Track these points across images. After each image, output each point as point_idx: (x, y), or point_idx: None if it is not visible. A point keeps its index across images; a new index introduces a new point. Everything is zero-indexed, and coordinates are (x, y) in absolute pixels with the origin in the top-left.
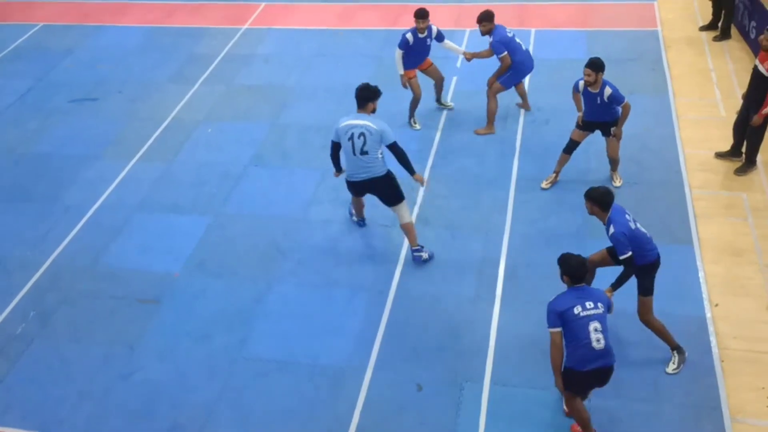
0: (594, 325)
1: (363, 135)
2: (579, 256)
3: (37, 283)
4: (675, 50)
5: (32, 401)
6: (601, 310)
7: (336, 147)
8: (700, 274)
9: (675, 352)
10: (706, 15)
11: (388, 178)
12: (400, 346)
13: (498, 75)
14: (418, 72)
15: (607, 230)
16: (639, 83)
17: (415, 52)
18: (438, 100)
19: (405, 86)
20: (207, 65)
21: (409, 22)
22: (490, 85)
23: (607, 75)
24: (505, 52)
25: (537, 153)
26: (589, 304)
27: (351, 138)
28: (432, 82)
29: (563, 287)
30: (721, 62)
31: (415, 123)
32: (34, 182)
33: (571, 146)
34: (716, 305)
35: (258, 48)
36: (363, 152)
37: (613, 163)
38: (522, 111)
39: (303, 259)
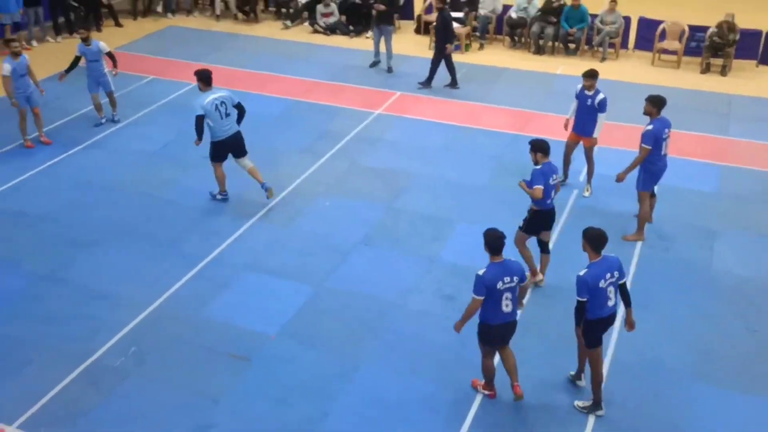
0: (506, 295)
1: (224, 102)
2: (498, 231)
3: (142, 322)
4: None
5: None
6: (515, 283)
7: (201, 120)
8: None
9: (594, 402)
10: None
11: (240, 133)
12: None
13: (634, 170)
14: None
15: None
16: None
17: (580, 109)
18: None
19: (565, 129)
20: (336, 142)
21: (535, 131)
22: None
23: (734, 212)
24: (651, 147)
25: (652, 280)
26: (507, 279)
27: (217, 108)
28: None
29: None
30: None
31: (586, 190)
32: (158, 226)
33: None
34: None
35: (386, 133)
36: (227, 115)
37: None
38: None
39: (394, 345)
